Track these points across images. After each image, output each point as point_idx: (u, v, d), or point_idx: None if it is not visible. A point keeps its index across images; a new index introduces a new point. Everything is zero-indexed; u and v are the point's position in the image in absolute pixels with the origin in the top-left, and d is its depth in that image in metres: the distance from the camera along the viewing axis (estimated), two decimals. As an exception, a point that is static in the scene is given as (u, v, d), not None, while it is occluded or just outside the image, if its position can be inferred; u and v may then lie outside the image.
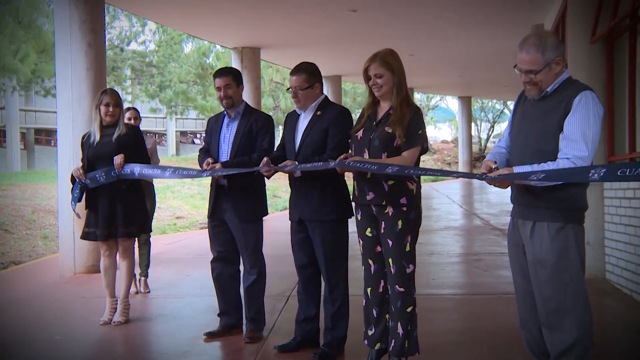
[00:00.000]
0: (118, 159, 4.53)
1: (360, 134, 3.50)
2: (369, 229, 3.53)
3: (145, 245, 5.84)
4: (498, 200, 14.67)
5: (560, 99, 2.79)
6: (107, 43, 11.67)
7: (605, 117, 5.54)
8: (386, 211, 3.40)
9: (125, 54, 25.74)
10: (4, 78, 21.43)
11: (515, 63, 2.89)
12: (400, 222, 3.38)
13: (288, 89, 3.93)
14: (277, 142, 4.21)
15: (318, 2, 8.97)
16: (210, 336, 4.34)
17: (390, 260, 3.42)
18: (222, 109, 4.40)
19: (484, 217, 11.62)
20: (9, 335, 4.57)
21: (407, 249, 3.41)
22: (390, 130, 3.36)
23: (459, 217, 12.05)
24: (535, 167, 2.74)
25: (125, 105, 5.83)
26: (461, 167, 25.89)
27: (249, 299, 4.31)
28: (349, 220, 3.92)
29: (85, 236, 4.75)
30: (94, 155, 4.63)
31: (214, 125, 4.41)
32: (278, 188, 16.23)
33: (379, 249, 3.52)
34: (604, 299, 5.23)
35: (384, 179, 3.38)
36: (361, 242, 3.59)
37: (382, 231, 3.44)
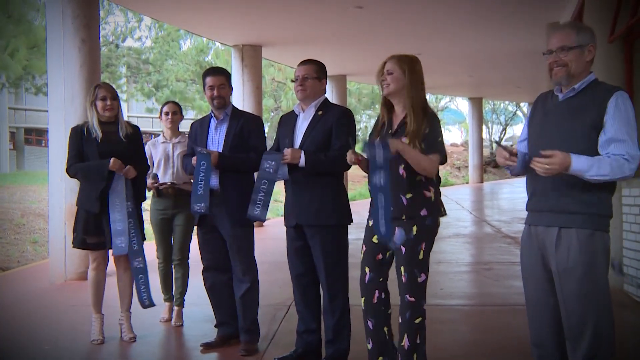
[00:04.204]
0: (130, 173, 4.25)
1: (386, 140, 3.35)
2: (376, 236, 3.36)
3: (182, 267, 4.88)
4: (510, 207, 14.49)
5: (591, 98, 2.69)
6: (101, 39, 11.37)
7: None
8: (402, 218, 3.26)
9: (121, 50, 25.38)
10: None
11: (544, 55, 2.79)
12: (415, 228, 3.24)
13: (293, 80, 3.84)
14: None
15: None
16: (207, 347, 4.21)
17: (402, 268, 3.27)
18: (208, 112, 4.32)
19: (495, 224, 11.44)
20: (-4, 344, 4.44)
21: (421, 257, 3.26)
22: (407, 141, 3.22)
23: (469, 224, 11.87)
24: (595, 161, 2.58)
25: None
26: (471, 171, 25.59)
27: (243, 309, 4.15)
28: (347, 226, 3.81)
29: (79, 244, 4.37)
30: (107, 154, 4.26)
31: (199, 130, 4.28)
32: (279, 192, 16.02)
33: (380, 256, 3.36)
34: (622, 312, 5.00)
35: (402, 192, 3.25)
36: (364, 248, 3.43)
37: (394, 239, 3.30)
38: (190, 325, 4.82)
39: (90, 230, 4.31)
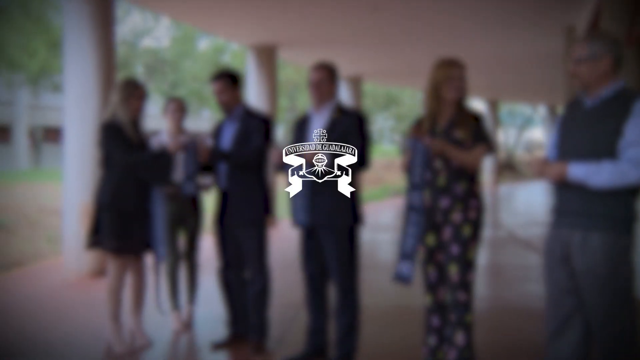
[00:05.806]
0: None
1: (426, 140, 3.42)
2: (431, 236, 3.46)
3: (192, 267, 4.86)
4: (525, 210, 14.33)
5: (616, 105, 2.71)
6: (118, 39, 11.17)
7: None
8: (452, 217, 3.37)
9: (137, 50, 25.37)
10: (12, 74, 21.00)
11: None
12: (468, 229, 3.38)
13: (309, 83, 3.84)
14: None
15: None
16: (217, 346, 4.22)
17: (453, 266, 3.38)
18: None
19: (509, 227, 11.32)
20: (6, 343, 4.45)
21: (471, 256, 3.40)
22: (461, 135, 3.38)
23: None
24: (594, 169, 2.63)
25: None
26: (486, 175, 25.40)
27: (253, 308, 4.16)
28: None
29: (114, 249, 4.03)
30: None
31: (216, 130, 4.34)
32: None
33: (438, 257, 3.46)
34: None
35: (456, 182, 3.37)
36: (423, 248, 3.54)
37: (445, 237, 3.40)
38: (200, 324, 4.82)
39: (124, 234, 4.03)
